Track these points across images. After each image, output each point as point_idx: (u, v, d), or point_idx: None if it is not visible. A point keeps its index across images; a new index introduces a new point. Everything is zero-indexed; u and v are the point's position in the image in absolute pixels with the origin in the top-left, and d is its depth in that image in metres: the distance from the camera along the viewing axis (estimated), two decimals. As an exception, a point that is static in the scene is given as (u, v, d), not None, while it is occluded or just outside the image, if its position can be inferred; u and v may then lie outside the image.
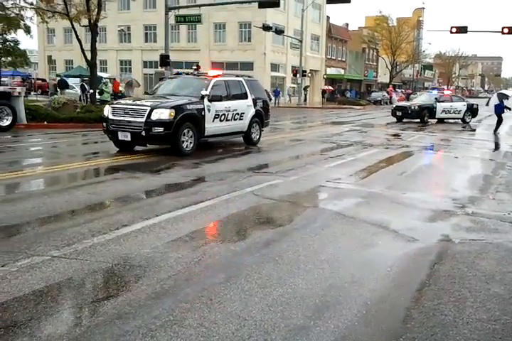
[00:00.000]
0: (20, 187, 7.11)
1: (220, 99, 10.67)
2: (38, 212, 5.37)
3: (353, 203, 6.40)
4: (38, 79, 43.34)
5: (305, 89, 44.48)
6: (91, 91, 21.53)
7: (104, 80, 24.44)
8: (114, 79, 31.31)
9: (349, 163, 9.82)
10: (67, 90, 27.40)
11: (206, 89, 10.45)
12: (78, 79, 30.82)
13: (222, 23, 43.73)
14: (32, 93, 34.48)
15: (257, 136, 12.36)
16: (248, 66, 42.07)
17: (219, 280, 3.66)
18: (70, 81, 30.94)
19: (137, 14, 45.69)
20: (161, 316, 3.07)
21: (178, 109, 9.65)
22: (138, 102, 10.11)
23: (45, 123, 15.57)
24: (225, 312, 3.16)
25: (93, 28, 21.60)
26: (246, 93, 11.81)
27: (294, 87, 44.27)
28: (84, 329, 2.90)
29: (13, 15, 22.19)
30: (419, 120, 22.82)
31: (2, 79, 36.34)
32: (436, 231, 5.27)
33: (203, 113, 10.23)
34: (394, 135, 17.00)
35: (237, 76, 12.50)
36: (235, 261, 4.08)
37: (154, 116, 9.40)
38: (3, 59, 32.79)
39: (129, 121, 9.60)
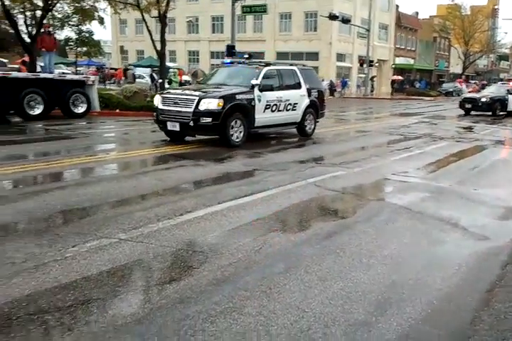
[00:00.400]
0: (92, 171, 7.46)
1: (271, 88, 10.37)
2: (107, 196, 5.60)
3: (420, 198, 6.15)
4: (112, 68, 45.18)
5: (372, 79, 43.33)
6: (160, 80, 22.13)
7: (172, 70, 25.08)
8: (179, 69, 32.07)
9: (417, 156, 9.46)
10: (138, 80, 28.41)
11: (257, 79, 10.22)
12: (148, 69, 31.81)
13: (287, 13, 43.40)
14: (106, 82, 35.97)
15: (312, 127, 11.96)
16: (313, 56, 41.56)
17: (279, 269, 3.65)
18: (141, 71, 32.04)
19: (205, 5, 46.34)
20: (221, 302, 3.10)
21: (226, 99, 9.46)
22: (187, 92, 10.01)
23: (117, 111, 16.20)
24: (284, 302, 3.14)
25: (162, 19, 22.13)
26: (299, 82, 11.42)
27: (362, 77, 43.27)
28: (147, 311, 2.98)
29: (87, 7, 23.13)
30: (490, 113, 21.47)
31: (78, 68, 38.21)
32: (509, 229, 4.97)
33: (252, 103, 10.00)
34: (466, 128, 16.18)
35: (291, 65, 12.18)
36: (295, 252, 4.05)
37: (202, 106, 9.26)
38: (78, 49, 34.43)
39: (177, 111, 9.50)
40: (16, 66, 25.47)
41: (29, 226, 4.52)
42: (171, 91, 10.89)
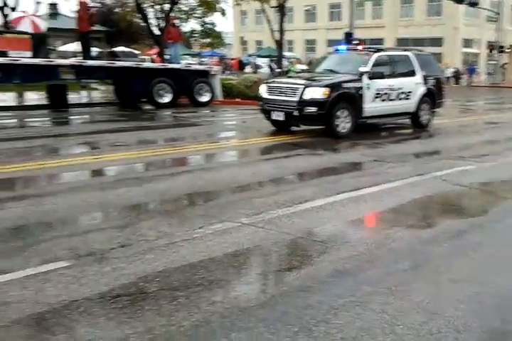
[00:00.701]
0: (215, 157, 7.80)
1: (381, 76, 9.71)
2: (229, 181, 5.80)
3: None
4: (232, 59, 46.63)
5: (502, 66, 39.62)
6: (278, 70, 22.38)
7: (290, 60, 25.26)
8: (296, 58, 32.17)
9: (560, 152, 8.45)
10: (259, 70, 29.10)
11: (366, 66, 9.66)
12: (267, 59, 32.34)
13: (409, -2, 41.27)
14: (227, 72, 37.23)
15: (428, 118, 11.02)
16: (437, 42, 39.12)
17: (403, 266, 3.48)
18: (260, 61, 32.74)
19: (323, -7, 45.73)
20: (343, 295, 3.03)
21: (332, 87, 9.07)
22: (292, 80, 9.81)
23: (238, 100, 16.64)
24: (410, 301, 2.98)
25: (281, 9, 22.29)
26: (414, 69, 10.60)
27: (491, 64, 39.82)
28: (269, 296, 3.01)
29: (210, -1, 24.07)
30: None
31: (201, 59, 40.04)
32: None
33: (361, 92, 9.47)
34: None
35: (405, 50, 11.35)
36: (420, 249, 3.82)
37: (307, 95, 8.96)
38: (202, 40, 36.01)
39: (282, 101, 9.31)
40: (147, 57, 27.40)
41: (160, 207, 4.84)
42: (276, 80, 10.77)
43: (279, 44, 23.04)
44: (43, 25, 14.48)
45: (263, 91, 9.94)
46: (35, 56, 12.44)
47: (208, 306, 2.86)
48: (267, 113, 9.87)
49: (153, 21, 22.94)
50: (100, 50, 20.84)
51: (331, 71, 10.22)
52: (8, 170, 6.09)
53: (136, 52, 30.58)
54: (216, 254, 3.58)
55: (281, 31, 22.63)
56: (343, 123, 9.31)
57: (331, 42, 46.38)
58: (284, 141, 8.96)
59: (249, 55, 39.58)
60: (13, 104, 14.44)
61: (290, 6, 34.50)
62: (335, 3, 45.05)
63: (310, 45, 49.79)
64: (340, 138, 9.13)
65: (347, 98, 9.35)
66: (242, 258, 3.59)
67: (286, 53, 33.68)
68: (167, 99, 14.21)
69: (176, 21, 20.17)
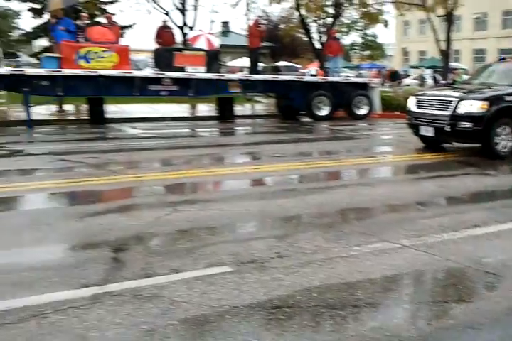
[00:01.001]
0: (371, 172, 7.59)
1: None
2: (388, 199, 5.56)
3: None
4: (388, 70, 45.35)
5: None
6: (442, 82, 21.12)
7: (454, 70, 23.70)
8: (455, 69, 29.95)
9: None
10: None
11: None
12: (430, 70, 30.81)
13: None
14: (386, 84, 36.33)
15: None
16: None
17: None
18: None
19: (496, 0, 41.96)
20: (521, 338, 2.67)
21: (492, 100, 8.09)
22: (445, 93, 9.03)
23: (396, 113, 16.00)
24: None
25: (449, 18, 21.01)
26: None
27: None
28: (432, 328, 2.78)
29: (374, 11, 23.65)
30: None
31: (360, 71, 39.72)
32: None
33: None
34: None
35: None
36: None
37: (461, 109, 8.10)
38: (363, 53, 35.72)
39: (432, 114, 8.55)
40: (306, 71, 28.12)
41: (316, 220, 4.82)
42: (427, 92, 10.07)
43: (445, 54, 21.68)
44: (217, 43, 15.71)
45: (411, 104, 9.34)
46: (208, 71, 13.56)
47: (365, 330, 2.75)
48: (415, 128, 9.23)
49: (315, 35, 23.37)
50: (265, 64, 21.91)
51: (492, 83, 9.26)
52: (181, 175, 6.68)
53: (298, 66, 31.50)
54: (374, 276, 3.44)
55: (448, 41, 21.30)
56: (505, 141, 8.28)
57: (503, 52, 42.39)
58: (447, 159, 8.35)
59: (412, 67, 38.01)
60: (187, 115, 15.88)
61: (458, 14, 32.36)
62: (509, 10, 41.07)
63: (479, 54, 46.08)
64: (501, 159, 8.17)
65: (510, 113, 8.32)
66: (402, 283, 3.40)
67: (451, 63, 31.62)
68: (325, 111, 14.33)
69: (337, 34, 20.28)
